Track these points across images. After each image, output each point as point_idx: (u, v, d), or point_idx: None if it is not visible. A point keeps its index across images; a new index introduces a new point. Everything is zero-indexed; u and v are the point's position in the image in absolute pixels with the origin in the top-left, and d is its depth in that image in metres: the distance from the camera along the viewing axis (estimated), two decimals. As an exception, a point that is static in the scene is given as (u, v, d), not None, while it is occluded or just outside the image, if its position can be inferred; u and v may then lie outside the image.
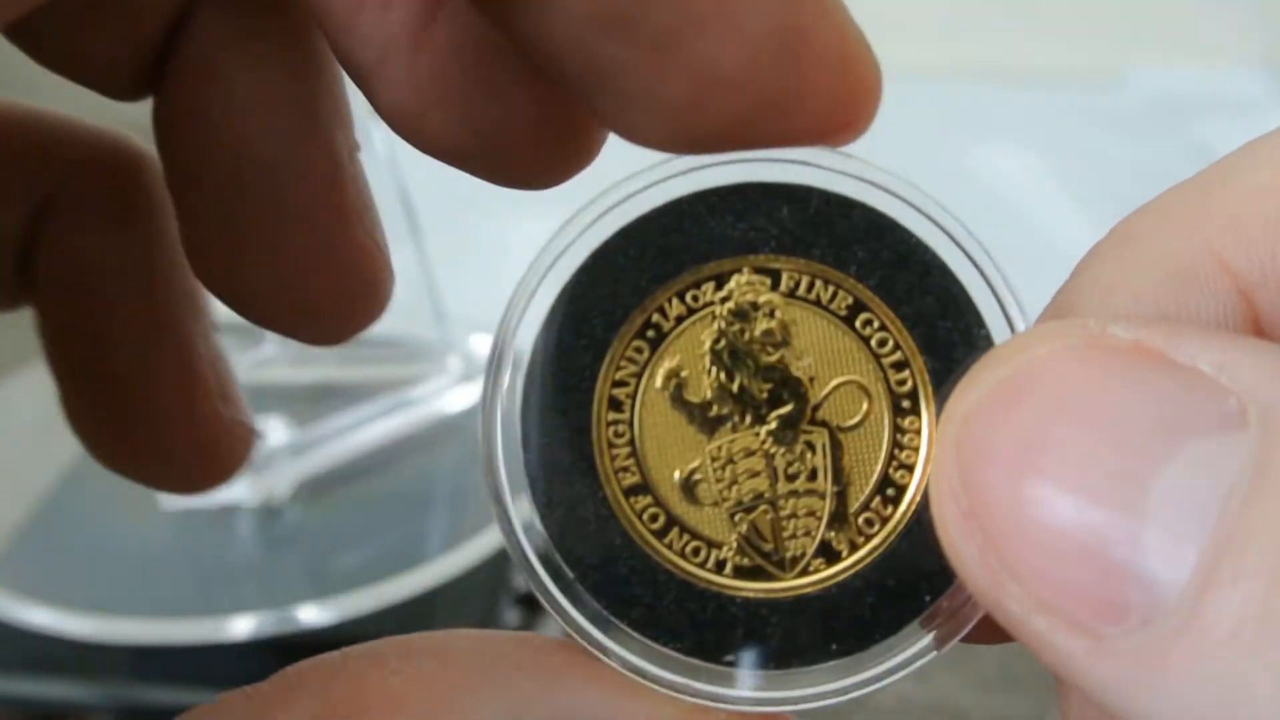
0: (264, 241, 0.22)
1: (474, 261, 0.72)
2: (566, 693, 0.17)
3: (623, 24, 0.16)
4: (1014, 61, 1.03)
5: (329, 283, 0.23)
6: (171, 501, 0.55)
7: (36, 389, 0.47)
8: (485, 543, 0.53)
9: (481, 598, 0.51)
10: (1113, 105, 0.97)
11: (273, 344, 0.65)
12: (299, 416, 0.59)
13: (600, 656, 0.18)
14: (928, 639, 0.18)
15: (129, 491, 0.59)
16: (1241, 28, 1.02)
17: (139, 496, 0.58)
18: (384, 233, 0.24)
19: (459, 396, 0.64)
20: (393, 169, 0.61)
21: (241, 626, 0.49)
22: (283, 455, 0.57)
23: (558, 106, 0.20)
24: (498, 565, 0.52)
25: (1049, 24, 1.03)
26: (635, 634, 0.18)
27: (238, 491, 0.56)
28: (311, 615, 0.50)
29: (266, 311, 0.23)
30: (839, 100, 0.17)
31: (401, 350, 0.67)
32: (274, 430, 0.58)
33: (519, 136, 0.20)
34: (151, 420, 0.25)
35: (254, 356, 0.65)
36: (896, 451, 0.18)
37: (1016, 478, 0.14)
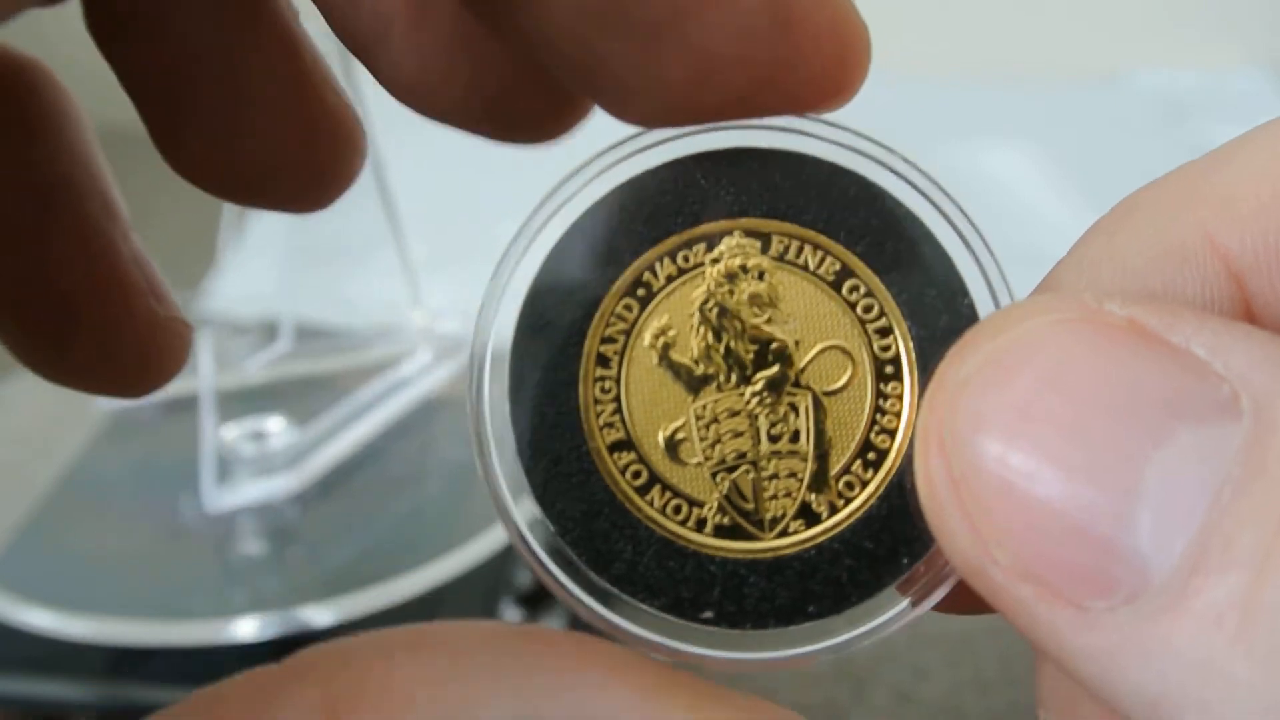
0: (238, 121, 0.22)
1: (461, 258, 0.72)
2: (580, 696, 0.17)
3: (617, 16, 0.16)
4: (1014, 61, 1.03)
5: (309, 146, 0.23)
6: (179, 504, 0.55)
7: (36, 390, 0.47)
8: (487, 542, 0.53)
9: (483, 597, 0.51)
10: (1113, 105, 0.97)
11: (282, 343, 0.65)
12: (299, 416, 0.59)
13: (575, 609, 0.18)
14: (904, 603, 0.18)
15: (130, 492, 0.59)
16: (1241, 28, 1.02)
17: (140, 497, 0.58)
18: (345, 89, 0.24)
19: (444, 373, 0.65)
20: (376, 170, 0.61)
21: (244, 628, 0.49)
22: (284, 455, 0.57)
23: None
24: (499, 564, 0.52)
25: (1049, 24, 1.03)
26: (613, 589, 0.18)
27: (240, 493, 0.56)
28: (314, 616, 0.50)
29: (256, 190, 0.23)
30: (830, 68, 0.17)
31: (385, 335, 0.67)
32: (275, 430, 0.58)
33: (522, 97, 0.20)
34: (91, 327, 0.24)
35: (255, 359, 0.65)
36: (878, 416, 0.18)
37: (1008, 446, 0.14)
